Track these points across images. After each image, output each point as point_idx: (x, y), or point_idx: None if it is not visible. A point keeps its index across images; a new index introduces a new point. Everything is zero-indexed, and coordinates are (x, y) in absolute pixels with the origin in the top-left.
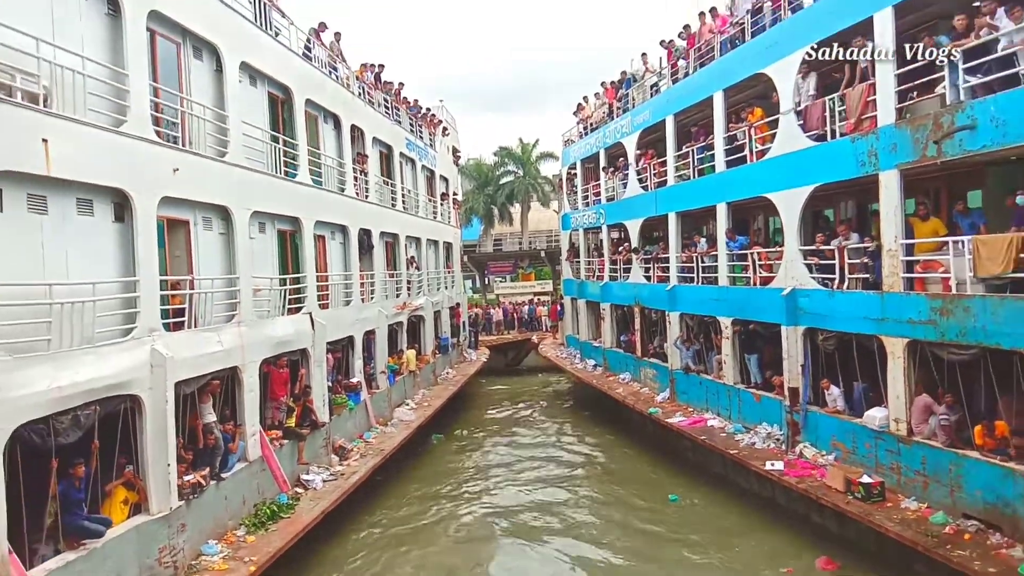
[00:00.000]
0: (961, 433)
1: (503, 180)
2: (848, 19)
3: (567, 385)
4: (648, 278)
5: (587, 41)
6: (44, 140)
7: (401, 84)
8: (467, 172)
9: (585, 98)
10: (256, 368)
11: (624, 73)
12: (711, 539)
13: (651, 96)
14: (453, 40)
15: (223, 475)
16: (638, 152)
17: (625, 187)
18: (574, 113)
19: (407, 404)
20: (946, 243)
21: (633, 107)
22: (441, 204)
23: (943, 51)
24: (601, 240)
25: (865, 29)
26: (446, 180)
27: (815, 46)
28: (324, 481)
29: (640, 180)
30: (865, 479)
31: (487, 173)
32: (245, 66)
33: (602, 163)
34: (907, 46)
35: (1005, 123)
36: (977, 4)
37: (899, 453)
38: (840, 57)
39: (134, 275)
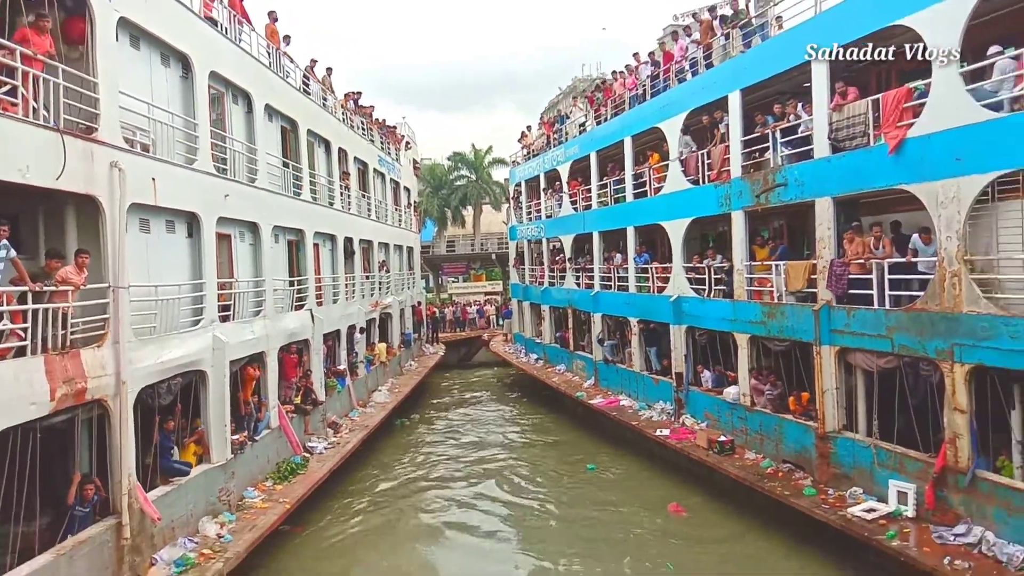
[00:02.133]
0: (783, 402)
1: (457, 183)
2: (713, 95)
3: (513, 377)
4: (578, 284)
5: (536, 41)
6: (153, 179)
7: (372, 107)
8: (422, 175)
9: (528, 127)
10: (276, 353)
11: (559, 111)
12: (617, 495)
13: (579, 133)
14: (403, 35)
15: (255, 438)
16: (569, 178)
17: (560, 207)
18: (519, 140)
19: (381, 390)
20: (774, 265)
21: (566, 140)
22: (405, 212)
23: (768, 128)
24: (542, 250)
25: (724, 104)
26: (408, 190)
27: (692, 111)
28: (325, 448)
29: (572, 202)
30: (722, 439)
31: (441, 176)
32: (268, 107)
33: (542, 185)
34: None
35: (803, 184)
36: (791, 99)
37: (746, 419)
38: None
39: (201, 278)
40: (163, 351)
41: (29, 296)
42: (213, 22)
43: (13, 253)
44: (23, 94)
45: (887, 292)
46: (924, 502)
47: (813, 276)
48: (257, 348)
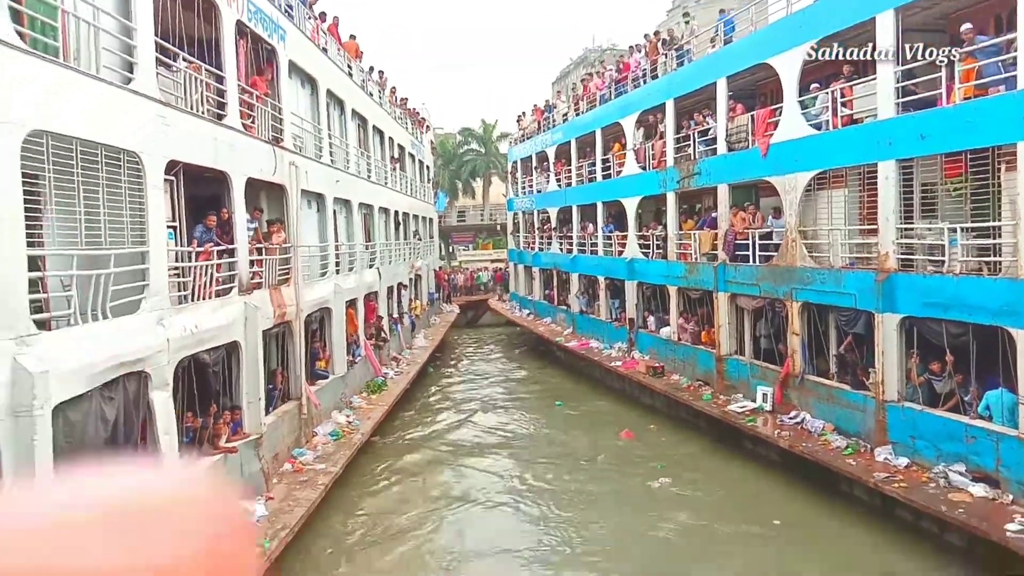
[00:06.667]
0: (698, 337)
1: (466, 158)
2: (656, 101)
3: (511, 332)
4: (561, 250)
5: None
6: (306, 172)
7: (407, 98)
8: (434, 147)
9: (523, 112)
10: (362, 299)
11: (547, 101)
12: (577, 419)
13: (563, 122)
14: None
15: (355, 360)
16: (556, 159)
17: (548, 183)
18: (516, 121)
19: (418, 337)
20: (691, 233)
21: (552, 127)
22: (426, 187)
23: (690, 130)
24: (533, 221)
25: (663, 108)
26: (428, 168)
27: (642, 112)
28: (394, 375)
29: (557, 180)
30: (655, 365)
31: (452, 150)
32: (353, 111)
33: (534, 164)
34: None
35: (711, 173)
36: (706, 109)
37: (674, 351)
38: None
39: (326, 241)
40: (313, 291)
41: (264, 251)
42: (323, 49)
43: (255, 225)
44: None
45: (758, 252)
46: (775, 399)
47: (716, 242)
48: (355, 295)
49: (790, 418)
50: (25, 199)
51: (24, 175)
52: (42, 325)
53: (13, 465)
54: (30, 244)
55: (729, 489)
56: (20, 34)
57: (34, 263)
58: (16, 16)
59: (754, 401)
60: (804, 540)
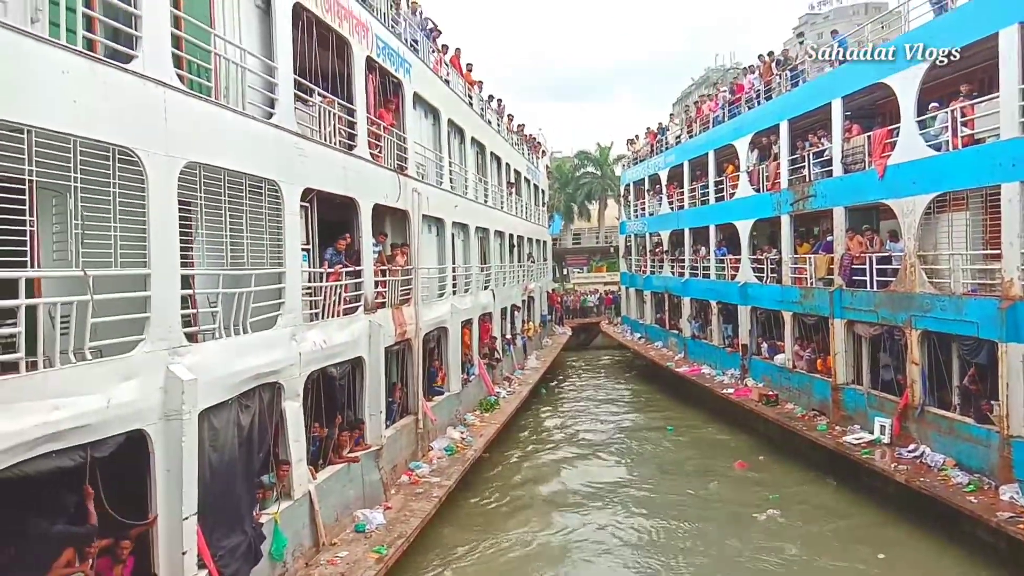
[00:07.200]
0: (814, 364)
1: (582, 181)
2: (770, 122)
3: (622, 356)
4: (673, 273)
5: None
6: (427, 197)
7: (523, 124)
8: (549, 171)
9: (636, 136)
10: (477, 320)
11: (660, 124)
12: (687, 445)
13: (676, 144)
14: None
15: (469, 379)
16: (668, 182)
17: (660, 206)
18: (628, 144)
19: (530, 358)
20: (806, 257)
21: (665, 149)
22: (540, 211)
23: (804, 151)
24: (645, 244)
25: (777, 130)
26: (543, 192)
27: (756, 133)
28: (506, 394)
29: (669, 202)
30: (768, 393)
31: (568, 173)
32: (472, 138)
33: (646, 187)
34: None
35: (826, 196)
36: (821, 130)
37: (789, 378)
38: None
39: (444, 263)
40: (431, 312)
41: (387, 273)
42: (445, 81)
43: (379, 248)
44: (381, 150)
45: (875, 278)
46: (893, 432)
47: (832, 266)
48: (470, 315)
49: (908, 451)
50: (179, 223)
51: (179, 202)
52: (191, 337)
53: (164, 462)
54: (183, 264)
55: (839, 524)
56: (180, 76)
57: (185, 281)
58: (176, 61)
59: (871, 433)
60: None
